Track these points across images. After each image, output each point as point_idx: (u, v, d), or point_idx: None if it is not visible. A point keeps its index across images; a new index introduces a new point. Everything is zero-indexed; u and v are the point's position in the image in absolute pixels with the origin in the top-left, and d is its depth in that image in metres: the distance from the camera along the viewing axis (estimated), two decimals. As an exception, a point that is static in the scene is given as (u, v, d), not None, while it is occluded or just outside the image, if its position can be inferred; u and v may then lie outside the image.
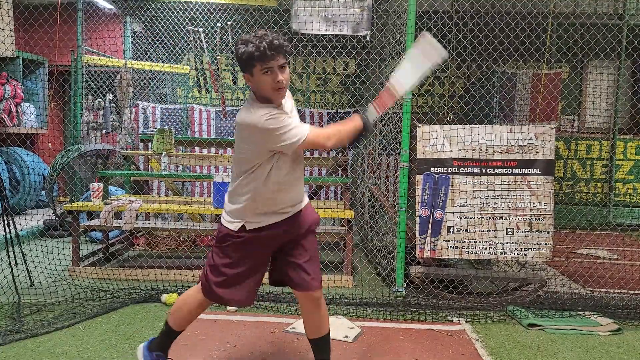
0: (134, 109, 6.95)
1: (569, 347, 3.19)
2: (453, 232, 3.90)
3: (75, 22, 6.29)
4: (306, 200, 2.47)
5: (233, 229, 2.32)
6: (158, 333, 2.61)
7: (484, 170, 3.89)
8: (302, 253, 2.39)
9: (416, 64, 2.36)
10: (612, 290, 4.18)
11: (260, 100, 2.20)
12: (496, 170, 3.88)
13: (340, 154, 6.37)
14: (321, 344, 2.49)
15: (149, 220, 5.51)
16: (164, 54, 7.48)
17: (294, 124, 2.16)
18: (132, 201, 4.53)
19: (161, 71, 7.45)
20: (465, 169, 3.90)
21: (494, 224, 3.87)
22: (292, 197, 2.35)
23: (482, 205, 3.88)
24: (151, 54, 7.54)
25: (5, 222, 3.92)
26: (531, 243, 3.84)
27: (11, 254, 3.86)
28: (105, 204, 4.54)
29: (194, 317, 2.54)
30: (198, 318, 2.62)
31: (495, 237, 3.87)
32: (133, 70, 6.94)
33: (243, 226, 2.30)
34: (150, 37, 7.44)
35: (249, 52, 2.07)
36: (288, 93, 2.31)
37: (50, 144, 8.07)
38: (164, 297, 3.74)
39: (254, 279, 2.41)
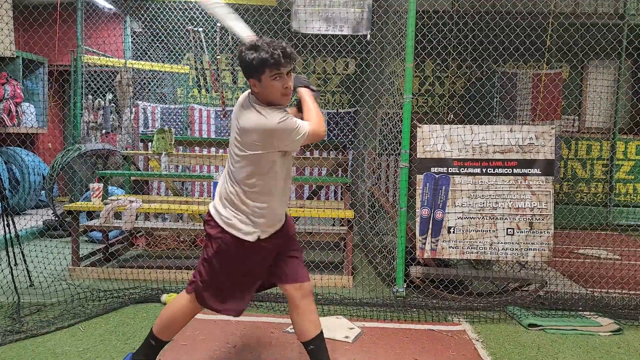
0: (134, 109, 6.95)
1: (569, 347, 3.18)
2: (453, 232, 3.89)
3: (75, 22, 6.28)
4: None
5: (250, 240, 2.29)
6: (141, 343, 2.52)
7: (484, 170, 3.88)
8: (295, 249, 2.51)
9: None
10: (612, 290, 4.17)
11: (265, 103, 2.24)
12: (496, 170, 3.88)
13: (340, 154, 6.37)
14: (315, 347, 2.41)
15: (149, 220, 5.50)
16: (164, 54, 7.48)
17: (299, 122, 2.26)
18: (132, 201, 4.52)
19: (161, 71, 7.45)
20: (466, 169, 3.89)
21: (495, 224, 3.87)
22: (286, 201, 2.44)
23: (482, 205, 3.88)
24: (151, 54, 7.54)
25: (5, 222, 3.92)
26: (532, 243, 3.84)
27: (11, 254, 3.86)
28: (105, 204, 4.53)
29: (182, 326, 2.50)
30: (197, 318, 2.61)
31: (496, 237, 3.87)
32: (133, 70, 6.94)
33: (258, 236, 2.31)
34: (150, 37, 7.44)
35: (261, 59, 2.12)
36: None
37: (50, 144, 8.06)
38: (164, 297, 3.73)
39: (254, 286, 2.46)
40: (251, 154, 2.21)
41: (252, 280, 2.43)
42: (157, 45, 7.35)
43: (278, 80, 2.17)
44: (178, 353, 2.88)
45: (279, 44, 2.15)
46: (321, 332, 2.44)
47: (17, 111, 7.12)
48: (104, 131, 7.37)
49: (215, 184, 4.42)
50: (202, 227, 4.62)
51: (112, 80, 6.89)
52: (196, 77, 6.90)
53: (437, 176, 3.91)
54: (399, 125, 4.14)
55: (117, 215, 4.63)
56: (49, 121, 8.09)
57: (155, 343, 2.46)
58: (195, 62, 6.63)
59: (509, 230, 3.86)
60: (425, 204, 3.92)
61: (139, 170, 6.44)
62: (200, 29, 6.50)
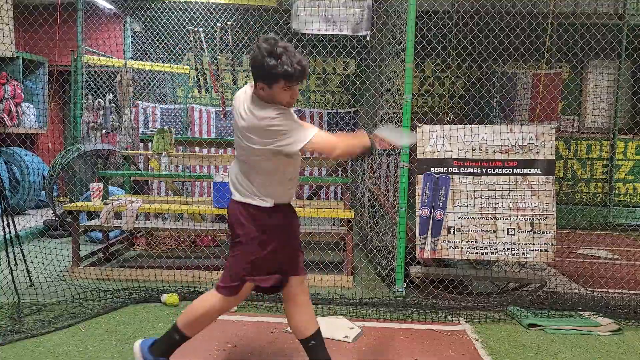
0: (134, 109, 6.95)
1: (569, 347, 3.18)
2: (453, 232, 3.89)
3: (75, 22, 6.29)
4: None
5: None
6: (163, 336, 2.53)
7: (484, 170, 3.89)
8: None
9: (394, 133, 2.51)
10: (612, 290, 4.18)
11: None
12: (496, 170, 3.88)
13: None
14: (316, 343, 2.46)
15: (149, 220, 5.50)
16: (164, 54, 7.48)
17: (298, 127, 2.21)
18: (132, 201, 4.52)
19: (161, 71, 7.45)
20: (466, 169, 3.90)
21: (495, 224, 3.87)
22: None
23: (482, 205, 3.88)
24: (151, 54, 7.54)
25: (5, 222, 3.92)
26: (533, 243, 3.84)
27: (11, 254, 3.85)
28: (105, 204, 4.53)
29: (210, 322, 2.52)
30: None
31: (496, 237, 3.87)
32: (133, 70, 6.94)
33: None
34: (150, 37, 7.44)
35: (282, 71, 2.09)
36: None
37: (50, 144, 8.06)
38: (164, 297, 3.74)
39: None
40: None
41: None
42: (157, 46, 7.35)
43: (288, 92, 2.18)
44: (178, 352, 2.88)
45: (299, 59, 2.11)
46: (319, 328, 2.47)
47: (17, 111, 7.12)
48: (104, 131, 7.37)
49: (215, 183, 4.43)
50: (202, 227, 4.61)
51: (112, 80, 6.89)
52: (196, 77, 6.90)
53: (437, 176, 3.91)
54: (398, 125, 4.14)
55: (117, 215, 4.63)
56: (49, 121, 8.09)
57: (179, 337, 2.49)
58: (195, 62, 6.64)
59: (509, 230, 3.86)
60: (425, 204, 3.92)
61: (139, 170, 6.45)
62: (201, 29, 6.50)
